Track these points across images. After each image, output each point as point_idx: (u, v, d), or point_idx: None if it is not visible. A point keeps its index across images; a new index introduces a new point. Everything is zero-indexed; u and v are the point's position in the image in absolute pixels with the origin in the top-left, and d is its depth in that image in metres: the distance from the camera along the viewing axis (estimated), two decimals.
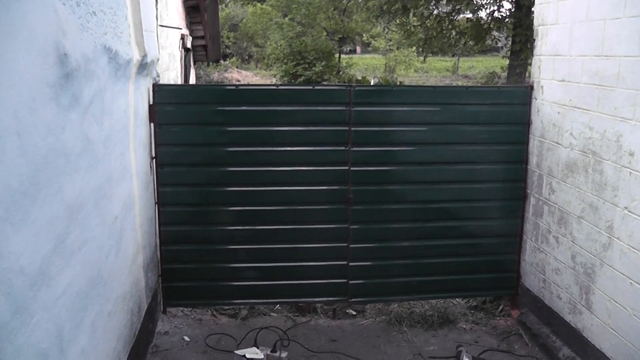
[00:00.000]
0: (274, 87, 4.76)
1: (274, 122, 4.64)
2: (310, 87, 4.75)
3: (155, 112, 4.49)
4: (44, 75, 2.26)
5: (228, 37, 38.13)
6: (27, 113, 2.09)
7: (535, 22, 4.74)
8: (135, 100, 3.98)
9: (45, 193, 2.28)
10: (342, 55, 33.48)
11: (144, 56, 3.99)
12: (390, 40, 34.60)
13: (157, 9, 4.81)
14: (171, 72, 6.58)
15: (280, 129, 4.65)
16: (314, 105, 4.65)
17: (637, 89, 3.49)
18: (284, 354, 4.24)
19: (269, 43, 29.03)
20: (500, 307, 5.17)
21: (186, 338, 4.58)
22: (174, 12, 7.20)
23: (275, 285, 4.87)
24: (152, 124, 4.49)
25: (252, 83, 24.50)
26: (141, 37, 3.92)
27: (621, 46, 3.65)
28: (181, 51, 7.99)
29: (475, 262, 5.00)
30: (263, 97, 4.67)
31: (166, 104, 4.54)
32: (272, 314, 5.06)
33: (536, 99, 4.71)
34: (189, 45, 9.12)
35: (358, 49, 50.24)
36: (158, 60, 4.76)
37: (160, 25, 5.21)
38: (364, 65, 35.82)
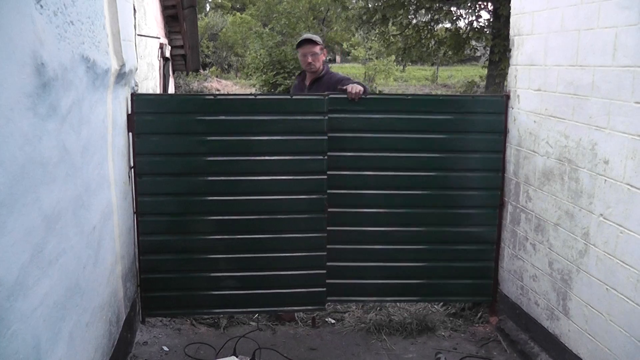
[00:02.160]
0: (252, 97, 4.76)
1: (253, 132, 4.65)
2: (288, 97, 4.75)
3: (133, 122, 4.48)
4: (21, 85, 2.25)
5: (208, 47, 38.13)
6: (4, 123, 2.08)
7: (511, 32, 4.80)
8: (114, 110, 3.97)
9: (22, 203, 2.27)
10: None
11: (122, 65, 3.98)
12: (370, 49, 34.78)
13: (135, 18, 4.81)
14: (150, 82, 6.58)
15: (258, 139, 4.66)
16: (292, 114, 4.66)
17: (611, 98, 3.54)
18: None
19: (248, 52, 29.07)
20: (479, 314, 5.21)
21: (165, 348, 4.56)
22: (153, 22, 7.20)
23: (254, 294, 4.85)
24: (130, 134, 4.48)
25: (231, 92, 24.49)
26: (119, 47, 3.92)
27: (595, 56, 3.71)
28: (160, 60, 7.99)
29: (453, 268, 5.04)
30: (241, 106, 4.67)
31: (144, 114, 4.52)
32: (251, 322, 5.05)
33: (512, 108, 4.76)
34: (167, 54, 9.11)
35: (338, 58, 50.46)
36: (136, 69, 4.76)
37: (139, 35, 5.21)
38: (344, 75, 35.89)
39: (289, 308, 4.98)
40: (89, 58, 3.17)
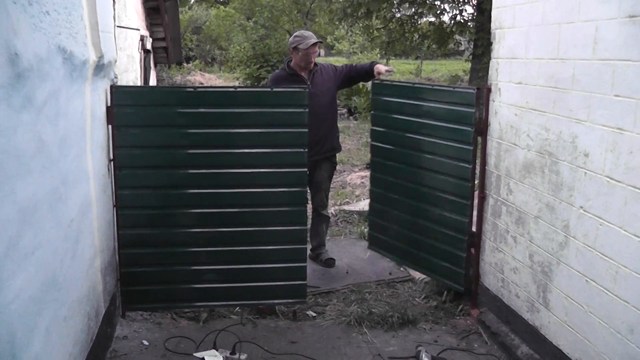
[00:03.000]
0: (233, 90, 4.73)
1: (233, 125, 4.62)
2: (269, 90, 4.72)
3: (113, 114, 4.43)
4: None
5: (191, 40, 37.92)
6: None
7: (493, 26, 4.80)
8: (92, 102, 3.92)
9: None
10: None
11: (101, 57, 3.94)
12: (354, 43, 34.76)
13: (114, 9, 4.75)
14: (130, 74, 6.52)
15: (239, 131, 4.64)
16: (272, 107, 4.65)
17: (591, 91, 3.55)
18: (243, 356, 4.23)
19: (232, 46, 28.95)
20: (461, 307, 5.22)
21: (145, 342, 4.53)
22: (133, 13, 7.14)
23: (235, 287, 4.83)
24: (110, 126, 4.44)
25: (215, 85, 24.38)
26: (98, 38, 3.87)
27: (576, 49, 3.71)
28: (141, 53, 7.92)
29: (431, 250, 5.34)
30: (222, 99, 4.66)
31: (124, 106, 4.47)
32: (232, 316, 5.03)
33: (494, 101, 4.76)
34: (149, 47, 9.04)
35: (322, 51, 50.36)
36: (116, 61, 4.71)
37: (118, 26, 5.16)
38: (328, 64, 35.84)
39: (270, 301, 4.96)
40: (65, 49, 3.13)
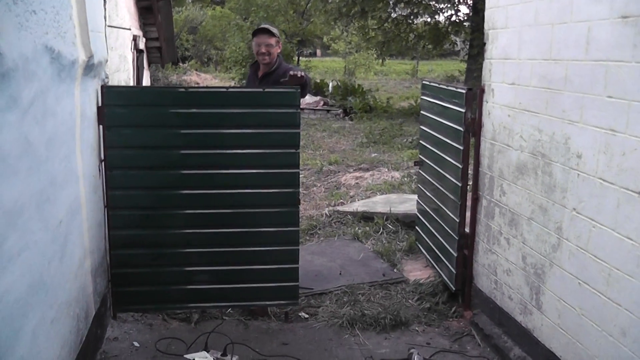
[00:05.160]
0: (224, 90, 4.70)
1: (225, 125, 4.60)
2: (261, 90, 4.69)
3: (104, 115, 4.40)
4: None
5: (187, 40, 37.88)
6: None
7: (486, 26, 4.78)
8: (82, 102, 3.89)
9: None
10: (302, 58, 33.50)
11: (91, 57, 3.90)
12: (350, 43, 34.76)
13: (105, 9, 4.71)
14: (122, 74, 6.48)
15: (230, 132, 4.61)
16: (264, 107, 4.61)
17: (584, 92, 3.53)
18: (234, 358, 4.20)
19: (228, 46, 28.92)
20: (454, 309, 5.19)
21: (136, 343, 4.50)
22: (125, 13, 7.10)
23: (226, 289, 4.80)
24: (100, 127, 4.40)
25: (210, 85, 24.36)
26: (87, 38, 3.83)
27: (568, 50, 3.70)
28: (133, 53, 7.88)
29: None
30: (213, 99, 4.64)
31: (115, 106, 4.44)
32: (224, 317, 5.00)
33: (487, 102, 4.74)
34: (142, 46, 9.01)
35: (318, 51, 50.37)
36: (107, 61, 4.68)
37: (109, 26, 5.12)
38: (324, 68, 35.89)
39: (262, 302, 4.94)
40: (53, 49, 3.10)
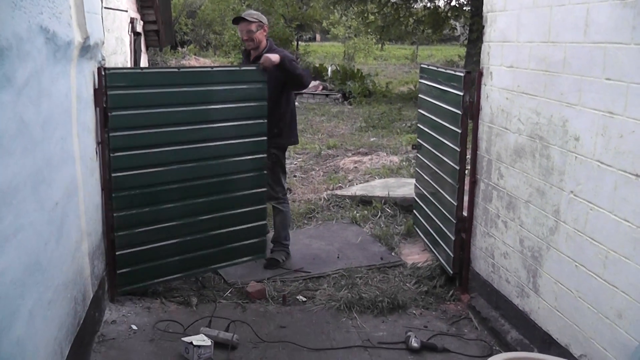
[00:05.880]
0: (209, 69, 5.24)
1: (210, 101, 4.96)
2: (238, 68, 5.39)
3: (100, 96, 4.39)
4: None
5: (186, 24, 37.74)
6: None
7: (485, 9, 4.76)
8: (78, 84, 3.87)
9: None
10: (301, 43, 33.36)
11: (87, 38, 3.88)
12: (350, 28, 34.63)
13: None
14: (119, 56, 6.46)
15: (215, 107, 4.99)
16: (240, 84, 5.06)
17: (583, 74, 3.51)
18: (235, 336, 4.26)
19: (226, 30, 28.80)
20: (451, 292, 5.20)
21: (134, 327, 4.50)
22: None
23: (210, 253, 5.19)
24: (97, 109, 4.39)
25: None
26: (83, 19, 3.81)
27: (567, 32, 3.67)
28: (130, 35, 7.84)
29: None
30: (201, 78, 5.02)
31: (112, 88, 4.44)
32: (221, 300, 5.00)
33: (485, 85, 4.73)
34: (139, 29, 8.96)
35: (317, 36, 50.19)
36: (103, 43, 4.65)
37: (106, 8, 5.10)
38: (323, 53, 35.79)
39: (240, 260, 5.40)
40: (48, 29, 3.08)
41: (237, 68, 5.24)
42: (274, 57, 5.10)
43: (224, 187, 5.14)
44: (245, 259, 5.41)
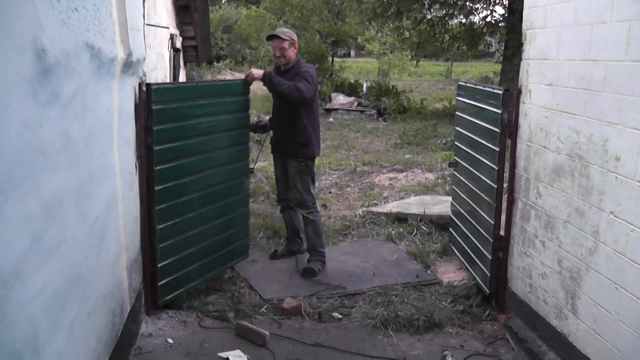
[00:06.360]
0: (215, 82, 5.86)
1: (222, 112, 5.32)
2: (239, 81, 5.62)
3: (141, 112, 4.46)
4: (21, 70, 2.22)
5: (222, 39, 38.12)
6: (1, 108, 2.05)
7: (524, 26, 4.74)
8: (120, 99, 3.94)
9: (21, 190, 2.24)
10: (336, 59, 33.47)
11: (129, 55, 3.95)
12: (385, 44, 34.62)
13: (144, 7, 4.78)
14: (159, 72, 6.56)
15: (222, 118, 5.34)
16: (236, 96, 5.50)
17: (624, 93, 3.47)
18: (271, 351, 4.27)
19: (262, 45, 28.98)
20: (487, 312, 5.15)
21: (170, 340, 4.54)
22: (163, 11, 7.18)
23: (215, 257, 5.49)
24: (137, 124, 4.46)
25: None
26: (126, 35, 3.89)
27: (608, 50, 3.64)
28: (170, 51, 7.96)
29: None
30: (214, 90, 5.38)
31: (153, 103, 4.52)
32: (257, 316, 5.01)
33: (524, 103, 4.70)
34: (178, 45, 9.09)
35: (352, 52, 50.32)
36: (144, 59, 4.73)
37: (148, 24, 5.19)
38: (358, 69, 35.83)
39: (233, 262, 5.80)
40: (93, 46, 3.14)
41: (239, 81, 5.67)
42: (256, 73, 5.46)
43: (225, 193, 5.46)
44: (235, 261, 5.83)
